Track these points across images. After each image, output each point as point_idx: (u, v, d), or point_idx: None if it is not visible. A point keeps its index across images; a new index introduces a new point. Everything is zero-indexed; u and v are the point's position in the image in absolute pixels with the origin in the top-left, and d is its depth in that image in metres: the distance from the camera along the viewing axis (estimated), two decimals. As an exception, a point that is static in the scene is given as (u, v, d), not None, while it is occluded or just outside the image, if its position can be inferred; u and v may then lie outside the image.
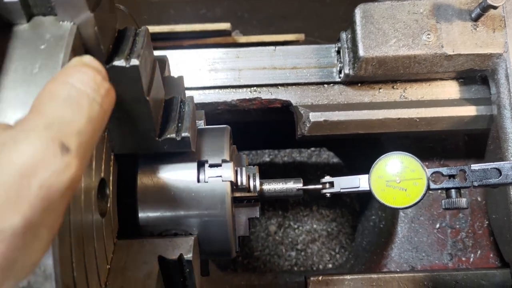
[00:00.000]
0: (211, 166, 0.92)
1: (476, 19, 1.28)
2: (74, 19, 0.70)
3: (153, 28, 1.53)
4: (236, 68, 1.41)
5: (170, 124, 0.89)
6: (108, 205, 0.89)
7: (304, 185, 1.00)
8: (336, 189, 0.97)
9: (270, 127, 1.85)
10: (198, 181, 0.91)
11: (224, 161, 0.92)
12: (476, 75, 1.37)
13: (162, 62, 1.07)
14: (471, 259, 1.49)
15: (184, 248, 0.88)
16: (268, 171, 2.15)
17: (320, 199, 2.06)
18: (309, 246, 2.06)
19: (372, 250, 1.71)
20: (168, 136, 0.86)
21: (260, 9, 2.22)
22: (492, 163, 0.89)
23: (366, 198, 1.91)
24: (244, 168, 0.96)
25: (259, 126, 1.71)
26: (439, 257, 1.50)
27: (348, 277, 1.36)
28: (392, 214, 1.60)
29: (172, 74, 1.12)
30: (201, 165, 0.92)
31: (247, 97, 1.41)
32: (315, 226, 2.08)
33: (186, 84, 1.36)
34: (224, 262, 1.97)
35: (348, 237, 2.05)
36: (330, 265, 2.02)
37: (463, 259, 1.50)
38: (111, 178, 0.90)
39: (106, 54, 0.75)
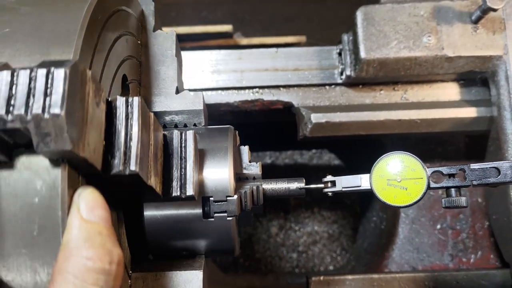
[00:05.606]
0: (216, 201, 0.93)
1: (476, 22, 1.30)
2: (62, 157, 0.65)
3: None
4: (238, 69, 1.43)
5: (172, 174, 0.86)
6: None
7: (306, 184, 1.01)
8: (338, 188, 0.98)
9: (271, 129, 1.85)
10: (204, 217, 0.93)
11: (228, 196, 0.93)
12: (476, 77, 1.38)
13: (143, 15, 1.06)
14: (472, 260, 1.50)
15: (195, 284, 0.92)
16: (269, 173, 2.14)
17: (322, 201, 2.07)
18: (310, 248, 2.06)
19: (373, 252, 1.72)
20: (173, 195, 0.86)
21: (261, 12, 2.23)
22: (491, 163, 0.90)
23: (367, 200, 1.91)
24: (248, 192, 0.97)
25: (261, 128, 1.72)
26: (440, 258, 1.51)
27: (349, 277, 1.37)
28: (393, 215, 1.61)
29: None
30: (205, 199, 0.93)
31: (249, 99, 1.42)
32: (316, 228, 2.08)
33: (189, 86, 1.37)
34: (225, 264, 1.98)
35: (349, 239, 2.05)
36: (331, 267, 2.02)
37: (464, 259, 1.50)
38: (121, 233, 0.92)
39: (101, 161, 0.71)
